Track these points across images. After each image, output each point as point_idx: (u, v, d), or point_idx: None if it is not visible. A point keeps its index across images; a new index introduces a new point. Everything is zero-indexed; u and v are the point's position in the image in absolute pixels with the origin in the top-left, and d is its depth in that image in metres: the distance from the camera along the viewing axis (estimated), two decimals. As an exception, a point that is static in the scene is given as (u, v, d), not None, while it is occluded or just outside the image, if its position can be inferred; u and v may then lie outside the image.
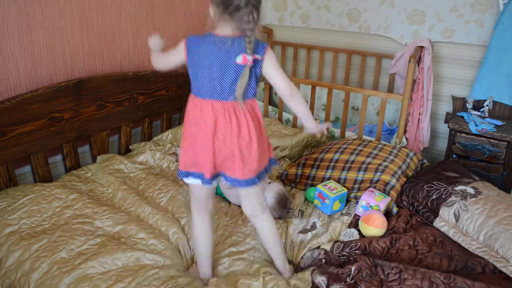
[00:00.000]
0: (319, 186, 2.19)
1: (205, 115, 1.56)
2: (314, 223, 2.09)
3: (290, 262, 1.87)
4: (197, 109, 1.59)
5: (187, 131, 1.61)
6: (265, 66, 1.57)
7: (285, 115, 3.17)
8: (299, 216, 2.15)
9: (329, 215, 2.16)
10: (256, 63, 1.55)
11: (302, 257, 1.87)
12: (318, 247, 1.88)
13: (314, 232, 2.03)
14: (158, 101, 2.80)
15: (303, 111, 1.68)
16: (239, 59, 1.52)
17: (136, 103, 2.63)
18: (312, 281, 1.65)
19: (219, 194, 2.28)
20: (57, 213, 1.88)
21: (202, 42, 1.57)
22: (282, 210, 2.12)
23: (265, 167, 1.69)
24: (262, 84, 3.84)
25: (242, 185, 1.61)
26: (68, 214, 1.89)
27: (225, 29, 1.54)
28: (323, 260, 1.79)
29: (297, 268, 1.83)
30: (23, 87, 2.15)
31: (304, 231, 2.04)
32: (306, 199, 2.30)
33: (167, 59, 1.73)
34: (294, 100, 1.64)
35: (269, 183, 2.18)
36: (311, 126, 1.71)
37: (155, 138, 2.83)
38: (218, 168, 1.61)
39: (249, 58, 1.51)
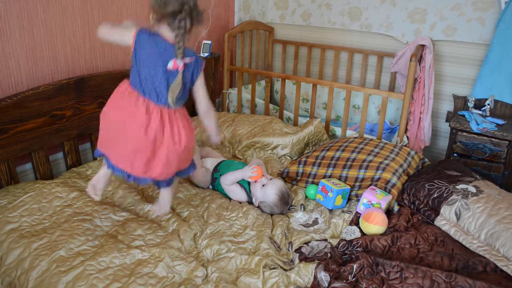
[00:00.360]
0: (323, 180, 2.20)
1: (140, 110, 1.62)
2: (316, 218, 2.09)
3: (289, 243, 1.91)
4: (132, 99, 1.63)
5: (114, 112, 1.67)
6: (197, 83, 1.72)
7: (286, 113, 3.17)
8: (302, 210, 2.15)
9: (330, 212, 2.16)
10: (192, 77, 1.68)
11: (307, 244, 1.87)
12: (325, 240, 1.88)
13: (316, 227, 2.04)
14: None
15: (214, 126, 1.88)
16: (170, 65, 1.60)
17: (137, 101, 2.63)
18: (315, 275, 1.65)
19: (219, 191, 2.28)
20: (57, 212, 1.88)
21: (150, 39, 1.62)
22: (284, 206, 2.12)
23: (181, 170, 1.81)
24: (262, 83, 3.84)
25: (142, 182, 1.72)
26: (68, 212, 1.89)
27: (167, 33, 1.62)
28: (329, 255, 1.79)
29: (299, 254, 1.83)
30: (24, 84, 2.15)
31: (306, 225, 2.05)
32: (306, 196, 2.30)
33: (114, 32, 1.69)
34: (209, 116, 1.83)
35: (270, 179, 2.18)
36: (215, 139, 1.94)
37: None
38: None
39: (179, 63, 1.60)
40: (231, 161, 2.38)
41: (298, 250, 1.84)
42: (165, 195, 1.89)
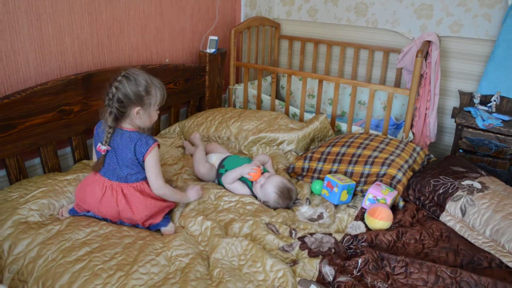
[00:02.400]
0: (329, 176, 2.20)
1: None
2: (322, 213, 2.10)
3: (293, 230, 1.93)
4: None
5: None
6: (146, 162, 1.85)
7: (292, 109, 3.18)
8: (307, 204, 2.16)
9: (335, 207, 2.17)
10: (139, 155, 1.83)
11: (311, 235, 1.88)
12: (330, 234, 1.90)
13: (321, 221, 2.05)
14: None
15: (175, 199, 1.98)
16: (98, 147, 1.83)
17: (144, 97, 2.64)
18: (319, 269, 1.66)
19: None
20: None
21: (99, 127, 1.90)
22: (287, 201, 2.13)
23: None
24: (269, 78, 3.85)
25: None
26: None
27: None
28: (332, 250, 1.80)
29: (301, 242, 1.85)
30: (32, 80, 2.17)
31: (311, 220, 2.06)
32: (312, 192, 2.31)
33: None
34: (161, 196, 1.91)
35: (268, 177, 2.19)
36: (190, 199, 2.04)
37: (162, 132, 2.85)
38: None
39: (102, 148, 1.81)
40: (236, 156, 2.39)
41: (301, 239, 1.85)
42: (166, 231, 1.92)
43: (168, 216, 1.97)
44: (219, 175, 2.30)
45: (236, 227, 1.92)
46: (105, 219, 1.87)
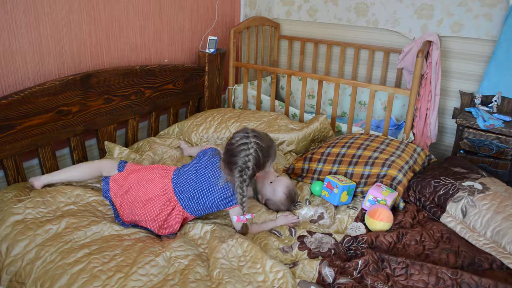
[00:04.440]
0: (329, 177, 2.19)
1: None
2: (322, 213, 2.09)
3: (292, 229, 1.95)
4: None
5: None
6: (230, 212, 1.92)
7: (292, 110, 3.17)
8: (307, 204, 2.15)
9: (335, 208, 2.16)
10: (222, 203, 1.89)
11: (311, 235, 1.88)
12: (330, 234, 1.89)
13: (321, 222, 2.04)
14: (165, 95, 2.80)
15: (265, 229, 1.97)
16: (234, 218, 1.86)
17: (143, 97, 2.64)
18: (319, 271, 1.65)
19: None
20: (61, 207, 1.90)
21: (211, 157, 1.94)
22: (290, 204, 2.13)
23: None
24: (268, 79, 3.84)
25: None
26: (73, 209, 1.91)
27: None
28: (332, 251, 1.79)
29: (300, 243, 1.83)
30: (31, 80, 2.16)
31: (312, 220, 2.05)
32: (311, 193, 2.30)
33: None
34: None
35: (277, 176, 2.18)
36: (278, 224, 2.01)
37: (161, 132, 2.84)
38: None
39: (242, 218, 1.85)
40: None
41: (300, 238, 1.84)
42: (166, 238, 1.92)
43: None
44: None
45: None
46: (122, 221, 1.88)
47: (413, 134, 2.87)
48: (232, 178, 1.80)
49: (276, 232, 1.93)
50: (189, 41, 3.12)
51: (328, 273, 1.64)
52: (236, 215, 1.83)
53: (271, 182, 2.13)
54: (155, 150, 2.47)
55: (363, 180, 2.25)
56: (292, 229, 1.92)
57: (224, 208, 1.88)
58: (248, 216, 1.83)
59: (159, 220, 1.84)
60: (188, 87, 2.98)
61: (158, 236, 1.89)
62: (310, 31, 3.82)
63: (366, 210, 2.10)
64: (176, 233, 1.91)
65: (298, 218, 2.04)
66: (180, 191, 1.86)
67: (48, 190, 1.96)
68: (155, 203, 1.84)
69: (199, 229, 1.87)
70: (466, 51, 3.17)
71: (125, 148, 2.46)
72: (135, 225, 1.89)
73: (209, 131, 2.75)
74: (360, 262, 1.70)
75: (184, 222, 1.92)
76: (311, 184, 2.35)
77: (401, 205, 2.15)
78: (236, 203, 1.83)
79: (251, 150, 1.76)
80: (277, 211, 2.12)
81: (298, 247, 1.81)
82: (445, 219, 2.03)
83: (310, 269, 1.67)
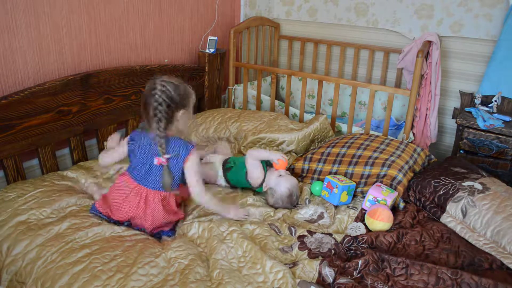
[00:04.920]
0: (328, 177, 2.19)
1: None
2: (322, 213, 2.09)
3: (292, 228, 1.94)
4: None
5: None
6: (186, 167, 1.84)
7: (292, 110, 3.17)
8: (307, 203, 2.16)
9: (335, 208, 2.16)
10: (177, 163, 1.82)
11: (311, 234, 1.88)
12: (330, 234, 1.89)
13: (321, 222, 2.04)
14: (165, 95, 2.80)
15: (214, 209, 1.94)
16: (155, 161, 1.80)
17: (143, 97, 2.64)
18: (319, 271, 1.65)
19: (234, 183, 2.30)
20: (63, 208, 1.90)
21: (141, 138, 1.87)
22: (288, 204, 2.14)
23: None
24: (268, 79, 3.84)
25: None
26: (75, 208, 1.91)
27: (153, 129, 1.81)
28: (332, 251, 1.79)
29: (300, 243, 1.83)
30: (31, 80, 2.16)
31: (311, 220, 2.05)
32: (311, 193, 2.30)
33: (113, 154, 1.97)
34: (202, 203, 1.92)
35: (288, 174, 2.21)
36: (229, 216, 1.96)
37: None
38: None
39: (162, 159, 1.80)
40: (236, 157, 2.39)
41: (300, 238, 1.85)
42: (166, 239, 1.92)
43: (176, 228, 1.96)
44: (227, 170, 2.29)
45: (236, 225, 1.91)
46: (114, 221, 1.88)
47: (413, 134, 2.87)
48: (153, 125, 1.79)
49: (275, 229, 1.93)
50: (189, 41, 3.12)
51: (328, 273, 1.64)
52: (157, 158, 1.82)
53: (280, 175, 2.17)
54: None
55: (363, 180, 2.25)
56: (292, 228, 1.92)
57: (184, 161, 1.84)
58: (164, 158, 1.81)
59: (140, 211, 1.84)
60: (188, 87, 2.97)
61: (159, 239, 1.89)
62: (310, 31, 3.82)
63: (366, 210, 2.10)
64: (174, 231, 1.92)
65: (248, 215, 2.03)
66: (140, 177, 1.86)
67: (53, 191, 1.97)
68: (128, 201, 1.85)
69: (196, 228, 1.87)
70: (466, 51, 3.17)
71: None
72: (129, 224, 1.89)
73: (209, 131, 2.75)
74: (360, 262, 1.70)
75: (169, 209, 1.89)
76: (311, 184, 2.35)
77: (401, 205, 2.15)
78: (190, 149, 1.83)
79: (158, 87, 1.76)
80: (272, 206, 2.14)
81: (298, 247, 1.81)
82: (445, 219, 2.03)
83: (310, 269, 1.67)
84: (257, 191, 2.24)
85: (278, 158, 2.19)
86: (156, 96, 1.74)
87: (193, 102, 1.89)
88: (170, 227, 1.92)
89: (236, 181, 2.26)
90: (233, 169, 2.26)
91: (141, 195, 1.84)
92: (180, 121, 1.83)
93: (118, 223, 1.87)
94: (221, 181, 2.31)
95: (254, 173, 2.20)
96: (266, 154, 2.22)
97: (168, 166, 1.82)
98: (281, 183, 2.13)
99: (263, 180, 2.19)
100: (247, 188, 2.27)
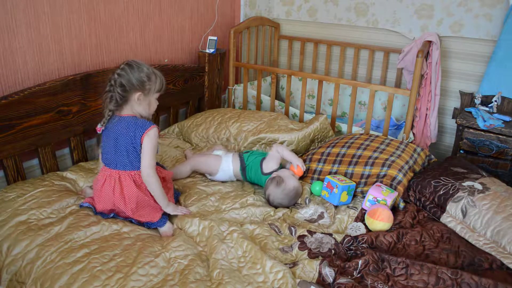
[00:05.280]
0: (328, 177, 2.20)
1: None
2: (322, 212, 2.09)
3: (292, 228, 1.95)
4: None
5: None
6: (143, 144, 1.85)
7: (292, 110, 3.17)
8: (307, 203, 2.16)
9: (335, 208, 2.16)
10: (136, 139, 1.84)
11: (311, 234, 1.88)
12: (330, 234, 1.89)
13: (321, 222, 2.04)
14: (164, 95, 2.76)
15: (155, 195, 1.90)
16: (97, 126, 1.89)
17: (143, 97, 2.64)
18: (319, 271, 1.65)
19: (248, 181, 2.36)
20: (63, 208, 1.90)
21: (109, 123, 1.91)
22: (286, 202, 2.15)
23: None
24: (268, 79, 3.84)
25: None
26: (74, 207, 1.91)
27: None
28: (333, 251, 1.79)
29: (300, 243, 1.84)
30: (30, 80, 2.16)
31: (311, 220, 2.05)
32: (311, 193, 2.30)
33: None
34: (146, 182, 1.88)
35: (293, 175, 2.26)
36: (167, 209, 1.95)
37: (161, 132, 2.83)
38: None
39: (98, 126, 1.88)
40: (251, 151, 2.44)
41: (300, 238, 1.85)
42: (164, 232, 1.92)
43: (166, 216, 1.95)
44: (242, 161, 2.34)
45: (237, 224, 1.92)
46: (100, 213, 1.89)
47: (413, 134, 2.87)
48: (106, 101, 1.86)
49: (275, 229, 1.93)
50: (189, 41, 3.12)
51: (328, 273, 1.64)
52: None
53: (293, 175, 2.24)
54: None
55: (363, 180, 2.25)
56: (292, 228, 1.92)
57: (141, 139, 1.85)
58: (99, 126, 1.88)
59: (117, 194, 1.86)
60: (188, 87, 2.98)
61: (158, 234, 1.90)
62: (310, 31, 3.82)
63: (366, 210, 2.10)
64: (165, 221, 1.93)
65: (189, 212, 2.03)
66: (110, 161, 1.89)
67: (53, 191, 1.97)
68: (105, 187, 1.88)
69: (196, 225, 1.87)
70: (466, 51, 3.17)
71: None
72: (115, 215, 1.89)
73: (209, 131, 2.75)
74: (360, 262, 1.70)
75: (145, 188, 1.89)
76: (311, 184, 2.35)
77: (401, 205, 2.15)
78: (146, 128, 1.84)
79: (121, 66, 1.84)
80: (268, 202, 2.17)
81: (298, 247, 1.81)
82: (445, 219, 2.03)
83: (310, 269, 1.67)
84: (262, 178, 2.26)
85: (298, 164, 2.31)
86: (115, 75, 1.82)
87: (157, 89, 1.92)
88: (158, 217, 1.91)
89: (250, 168, 2.31)
90: (250, 155, 2.34)
91: (115, 179, 1.87)
92: (137, 104, 1.86)
93: (104, 215, 1.87)
94: (228, 172, 2.33)
95: (270, 163, 2.28)
96: (290, 156, 2.33)
97: (103, 139, 1.90)
98: (291, 178, 2.19)
99: (274, 171, 2.26)
100: (252, 183, 2.34)
